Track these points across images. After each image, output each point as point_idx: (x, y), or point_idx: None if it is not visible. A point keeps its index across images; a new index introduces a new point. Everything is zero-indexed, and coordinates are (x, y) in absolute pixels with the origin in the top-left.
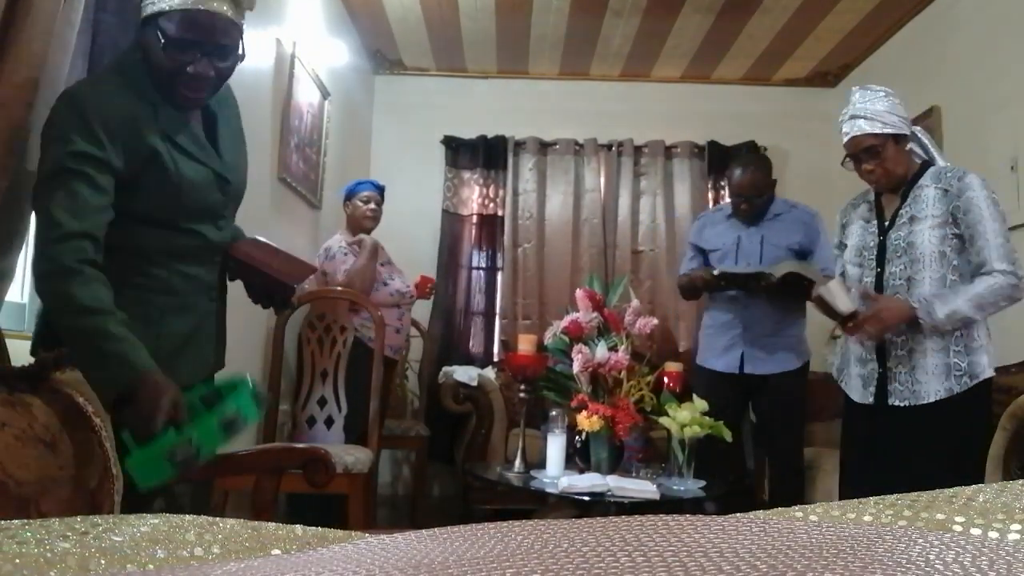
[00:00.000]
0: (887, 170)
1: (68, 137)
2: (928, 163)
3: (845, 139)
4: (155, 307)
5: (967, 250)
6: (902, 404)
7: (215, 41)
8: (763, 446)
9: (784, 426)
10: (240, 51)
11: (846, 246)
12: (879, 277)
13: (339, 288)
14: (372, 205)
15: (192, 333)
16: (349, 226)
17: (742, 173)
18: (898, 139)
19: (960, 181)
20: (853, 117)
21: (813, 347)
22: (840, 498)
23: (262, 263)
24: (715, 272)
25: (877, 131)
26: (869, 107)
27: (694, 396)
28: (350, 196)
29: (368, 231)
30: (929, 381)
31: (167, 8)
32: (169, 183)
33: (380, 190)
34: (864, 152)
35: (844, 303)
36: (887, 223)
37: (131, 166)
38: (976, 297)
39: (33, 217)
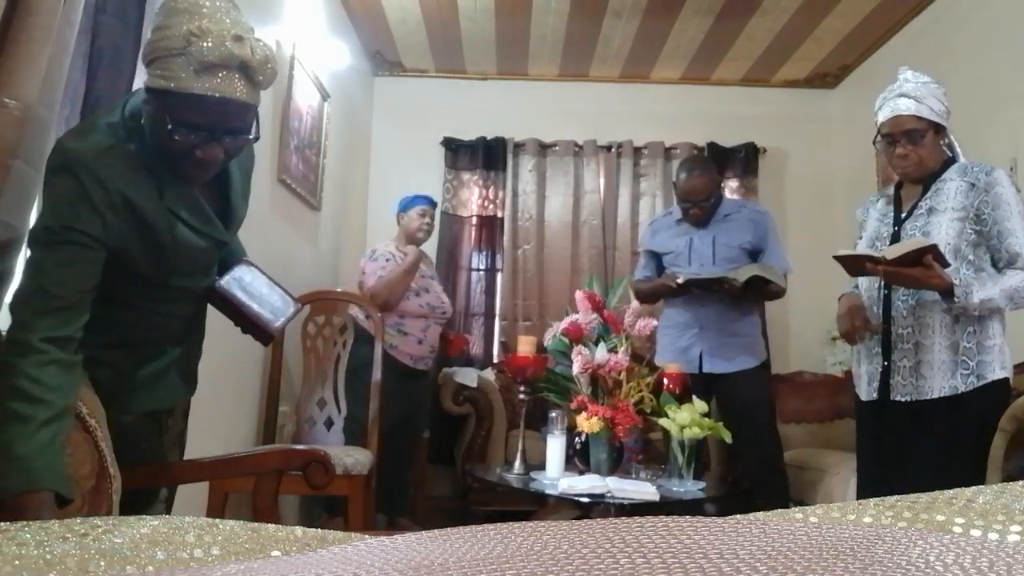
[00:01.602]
0: (921, 158)
1: (72, 210)
2: (952, 160)
3: (886, 116)
4: (133, 343)
5: (992, 245)
6: (904, 399)
7: (227, 126)
8: (742, 444)
9: (750, 425)
10: (254, 134)
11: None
12: None
13: (339, 290)
14: (427, 219)
15: (167, 367)
16: (402, 237)
17: (687, 179)
18: (939, 130)
19: (988, 176)
20: (901, 95)
21: (810, 348)
22: (858, 499)
23: (240, 305)
24: (679, 281)
25: (924, 115)
26: (921, 90)
27: (694, 397)
28: (405, 209)
29: (419, 243)
30: (934, 377)
31: (176, 89)
32: (165, 257)
33: (434, 205)
34: (904, 134)
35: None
36: (904, 215)
37: (129, 241)
38: (1011, 290)
39: (35, 212)
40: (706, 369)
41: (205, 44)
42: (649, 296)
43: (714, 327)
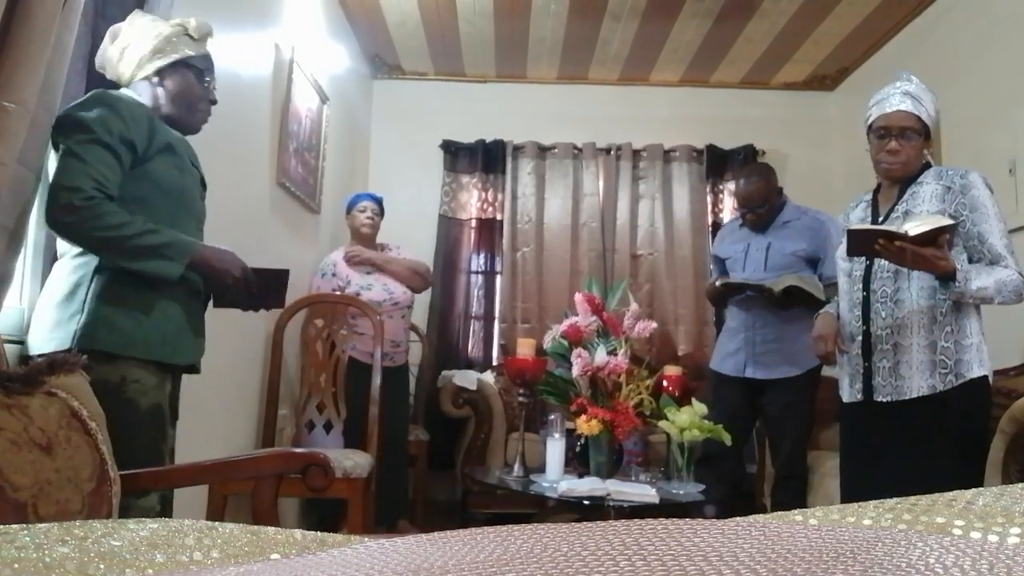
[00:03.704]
0: (909, 157)
1: (104, 120)
2: (928, 165)
3: (885, 110)
4: (150, 296)
5: (972, 246)
6: (885, 400)
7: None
8: (770, 450)
9: (785, 431)
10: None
11: None
12: (868, 270)
13: (339, 293)
14: (368, 214)
15: (184, 323)
16: (352, 236)
17: (744, 185)
18: (927, 137)
19: (963, 179)
20: (905, 93)
21: None
22: (840, 501)
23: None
24: (717, 284)
25: (922, 116)
26: (922, 94)
27: (693, 400)
28: (349, 208)
29: (367, 239)
30: (912, 376)
31: (198, 54)
32: (174, 174)
33: (377, 201)
34: (899, 130)
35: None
36: (881, 218)
37: (149, 151)
38: (999, 282)
39: (34, 215)
40: (748, 374)
41: (190, 25)
42: (713, 299)
43: (761, 333)
